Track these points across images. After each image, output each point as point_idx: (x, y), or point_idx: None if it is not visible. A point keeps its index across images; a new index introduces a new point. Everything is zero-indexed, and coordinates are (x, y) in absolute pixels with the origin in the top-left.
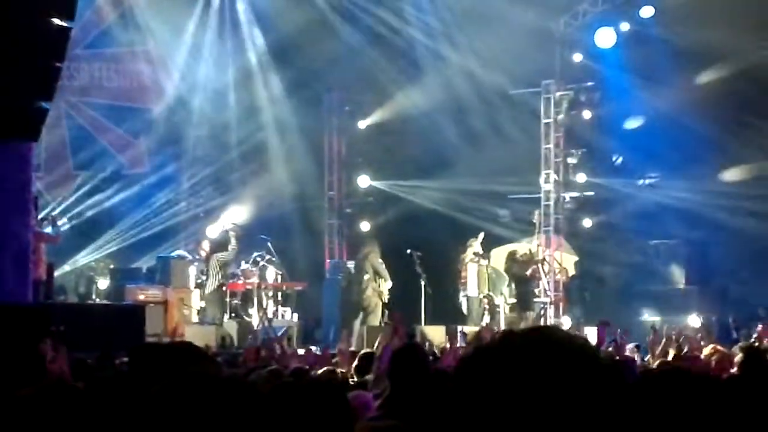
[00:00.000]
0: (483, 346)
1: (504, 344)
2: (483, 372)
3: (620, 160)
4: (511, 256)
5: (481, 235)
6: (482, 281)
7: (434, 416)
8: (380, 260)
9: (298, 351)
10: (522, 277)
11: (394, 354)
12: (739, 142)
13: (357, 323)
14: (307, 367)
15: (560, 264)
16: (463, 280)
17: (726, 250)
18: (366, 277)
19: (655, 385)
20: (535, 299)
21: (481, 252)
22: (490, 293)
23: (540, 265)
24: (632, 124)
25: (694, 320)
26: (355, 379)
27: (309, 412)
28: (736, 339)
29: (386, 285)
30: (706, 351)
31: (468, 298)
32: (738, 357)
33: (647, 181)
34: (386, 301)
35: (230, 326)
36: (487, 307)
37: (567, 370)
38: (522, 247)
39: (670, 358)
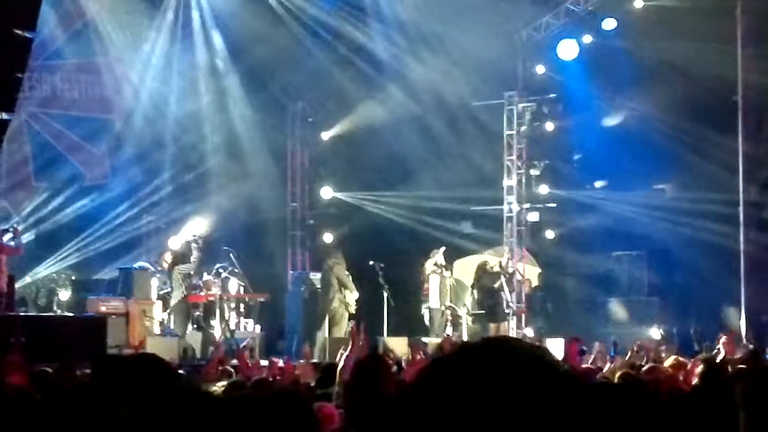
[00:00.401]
0: (440, 358)
1: (461, 355)
2: (440, 383)
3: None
4: (482, 268)
5: (443, 249)
6: (444, 293)
7: (399, 429)
8: (346, 271)
9: (261, 362)
10: (491, 289)
11: (356, 366)
12: (699, 153)
13: (320, 334)
14: (271, 378)
15: (523, 276)
16: (425, 292)
17: (688, 262)
18: (332, 288)
19: (609, 396)
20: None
21: (443, 263)
22: (453, 305)
23: (503, 276)
24: (610, 122)
25: (655, 332)
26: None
27: (274, 424)
28: (698, 351)
29: (352, 296)
30: (668, 362)
31: (430, 310)
32: (699, 369)
33: (598, 185)
34: (353, 312)
35: (193, 338)
36: (449, 318)
37: (525, 380)
38: (492, 259)
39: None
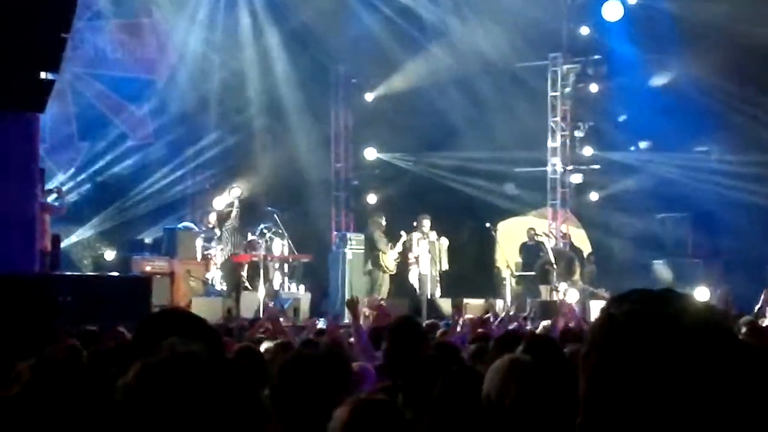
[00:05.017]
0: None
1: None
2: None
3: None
4: (530, 231)
5: (427, 216)
6: (435, 258)
7: (437, 390)
8: (381, 234)
9: (304, 323)
10: (539, 252)
11: (392, 329)
12: (743, 116)
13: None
14: (314, 338)
15: (572, 243)
16: (410, 261)
17: (732, 224)
18: (370, 251)
19: None
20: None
21: (428, 230)
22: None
23: (548, 238)
24: (654, 83)
25: (702, 292)
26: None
27: (317, 381)
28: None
29: (387, 257)
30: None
31: (420, 275)
32: (743, 330)
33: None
34: (392, 272)
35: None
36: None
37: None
38: (539, 222)
39: None
